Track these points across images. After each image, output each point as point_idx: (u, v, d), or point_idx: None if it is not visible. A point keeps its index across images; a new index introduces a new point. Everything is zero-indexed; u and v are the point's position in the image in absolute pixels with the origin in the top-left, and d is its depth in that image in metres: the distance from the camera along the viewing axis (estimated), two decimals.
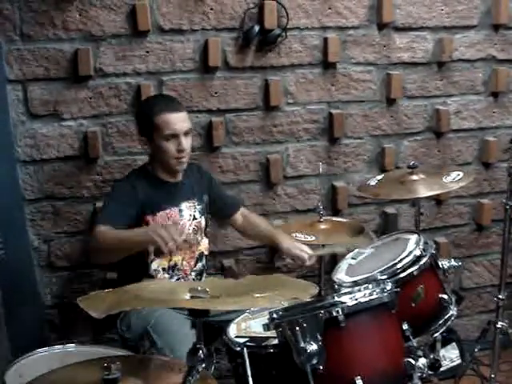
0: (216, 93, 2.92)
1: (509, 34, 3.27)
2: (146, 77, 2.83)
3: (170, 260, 2.59)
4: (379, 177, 2.87)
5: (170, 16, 2.80)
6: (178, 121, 2.51)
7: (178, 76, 2.86)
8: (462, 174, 2.70)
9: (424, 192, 2.66)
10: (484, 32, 3.23)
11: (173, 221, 2.56)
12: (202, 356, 1.55)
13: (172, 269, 2.58)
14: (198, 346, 1.57)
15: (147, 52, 2.81)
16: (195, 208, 2.66)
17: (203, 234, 2.72)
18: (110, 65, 2.78)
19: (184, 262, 2.62)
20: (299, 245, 2.69)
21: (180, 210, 2.60)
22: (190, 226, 2.63)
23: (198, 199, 2.68)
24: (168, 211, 2.57)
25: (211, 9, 2.84)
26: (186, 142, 2.53)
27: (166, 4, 2.78)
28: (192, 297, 1.59)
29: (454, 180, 2.66)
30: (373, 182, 2.81)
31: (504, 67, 3.29)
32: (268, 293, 1.53)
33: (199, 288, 1.56)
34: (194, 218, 2.65)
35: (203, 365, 1.56)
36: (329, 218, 2.89)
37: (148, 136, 2.53)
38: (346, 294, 2.01)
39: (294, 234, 2.67)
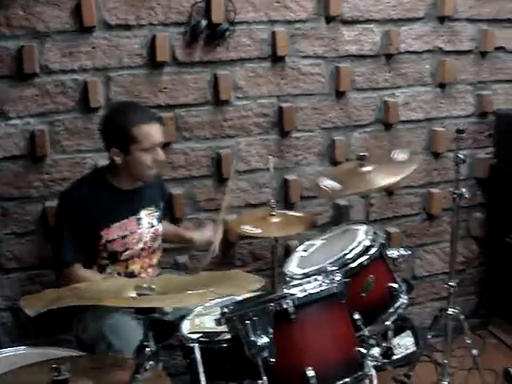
0: (165, 88, 2.89)
1: (454, 25, 3.33)
2: (93, 73, 2.79)
3: (127, 267, 2.57)
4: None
5: (116, 11, 2.77)
6: (157, 132, 2.46)
7: (125, 72, 2.83)
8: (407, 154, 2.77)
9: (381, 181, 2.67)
10: (430, 24, 3.28)
11: (129, 231, 2.54)
12: (149, 353, 1.54)
13: (129, 276, 2.55)
14: (144, 343, 1.56)
15: (93, 48, 2.77)
16: (153, 215, 2.63)
17: (160, 241, 2.70)
18: (55, 62, 2.73)
19: (142, 270, 2.60)
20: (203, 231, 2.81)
21: (138, 219, 2.57)
22: (148, 233, 2.60)
23: (155, 206, 2.65)
24: (125, 221, 2.52)
25: (158, 4, 2.82)
26: (163, 153, 2.49)
27: None
28: (139, 294, 1.58)
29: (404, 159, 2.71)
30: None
31: (450, 58, 3.35)
32: (204, 289, 1.52)
33: (145, 285, 1.55)
34: (152, 226, 2.62)
35: (151, 362, 1.55)
36: (281, 211, 2.90)
37: (123, 148, 2.43)
38: (295, 286, 2.03)
39: (244, 227, 2.69)
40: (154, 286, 1.56)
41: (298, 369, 1.92)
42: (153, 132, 2.44)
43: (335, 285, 2.03)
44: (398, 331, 3.20)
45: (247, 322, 1.90)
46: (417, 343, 3.25)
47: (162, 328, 2.39)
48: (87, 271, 2.49)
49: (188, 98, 2.93)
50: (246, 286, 1.76)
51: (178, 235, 2.87)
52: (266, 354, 1.88)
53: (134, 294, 1.58)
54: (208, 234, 2.79)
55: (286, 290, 1.97)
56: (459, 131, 2.75)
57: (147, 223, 2.60)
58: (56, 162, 2.81)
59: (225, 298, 2.20)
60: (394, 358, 3.00)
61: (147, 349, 1.55)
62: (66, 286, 2.35)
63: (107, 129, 2.51)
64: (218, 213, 2.80)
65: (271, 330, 1.91)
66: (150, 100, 2.88)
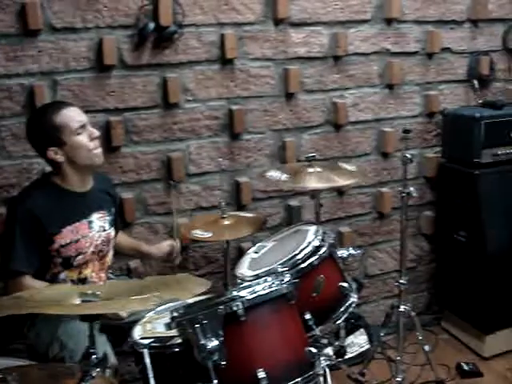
0: (113, 92, 2.86)
1: (401, 27, 3.38)
2: (40, 77, 2.74)
3: (80, 273, 2.54)
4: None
5: (62, 14, 2.72)
6: (78, 112, 2.47)
7: (72, 76, 2.79)
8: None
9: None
10: (377, 26, 3.32)
11: (81, 234, 2.50)
12: (96, 360, 1.53)
13: (82, 282, 2.52)
14: (90, 350, 1.54)
15: (39, 52, 2.72)
16: (105, 219, 2.61)
17: (111, 246, 2.68)
18: (0, 66, 2.68)
19: (93, 274, 2.57)
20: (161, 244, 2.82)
21: (90, 222, 2.53)
22: (99, 237, 2.57)
23: (107, 210, 2.63)
24: (76, 224, 2.49)
25: (105, 6, 2.78)
26: (95, 130, 2.49)
27: (57, 2, 2.70)
28: (83, 301, 1.56)
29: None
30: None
31: (398, 60, 3.39)
32: (148, 294, 1.52)
33: (89, 292, 1.53)
34: (104, 230, 2.59)
35: (97, 369, 1.54)
36: (233, 213, 2.91)
37: (56, 142, 2.41)
38: (244, 287, 2.02)
39: (194, 232, 2.68)
40: (98, 293, 1.54)
41: (248, 370, 1.92)
42: (74, 113, 2.45)
43: (285, 286, 2.04)
44: (351, 330, 3.24)
45: (197, 325, 1.90)
46: (370, 341, 3.29)
47: (115, 333, 2.39)
48: (36, 282, 2.43)
49: (137, 102, 2.91)
50: (191, 290, 1.76)
51: (137, 250, 2.85)
52: (216, 357, 1.89)
53: (78, 301, 1.56)
54: (167, 248, 2.79)
55: (235, 292, 1.97)
56: (405, 131, 2.80)
57: (99, 227, 2.57)
58: (2, 168, 2.75)
59: (177, 302, 2.19)
60: (349, 356, 3.06)
61: (93, 356, 1.53)
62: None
63: (33, 134, 2.49)
64: (173, 227, 2.80)
65: (221, 333, 1.91)
66: (98, 104, 2.84)
